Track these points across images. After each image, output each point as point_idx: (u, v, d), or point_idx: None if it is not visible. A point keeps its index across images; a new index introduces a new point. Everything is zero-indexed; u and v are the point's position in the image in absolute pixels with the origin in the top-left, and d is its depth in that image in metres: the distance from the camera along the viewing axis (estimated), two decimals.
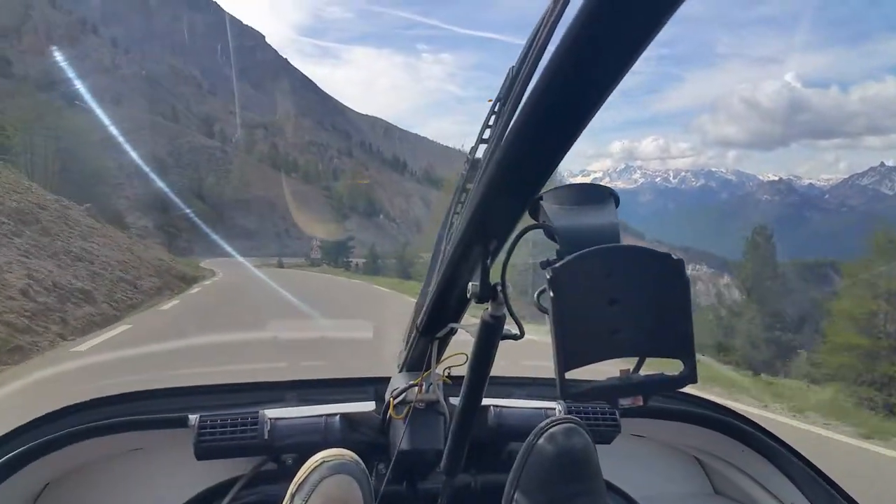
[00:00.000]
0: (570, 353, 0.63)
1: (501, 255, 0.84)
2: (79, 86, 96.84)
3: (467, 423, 1.04)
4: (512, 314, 0.87)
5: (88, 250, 16.73)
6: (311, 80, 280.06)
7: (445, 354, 1.20)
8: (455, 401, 1.08)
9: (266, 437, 1.24)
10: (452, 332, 1.13)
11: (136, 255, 21.54)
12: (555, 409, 1.41)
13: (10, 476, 1.14)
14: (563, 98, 0.57)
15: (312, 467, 0.99)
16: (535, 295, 0.68)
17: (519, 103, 0.69)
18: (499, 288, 0.85)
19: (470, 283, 0.86)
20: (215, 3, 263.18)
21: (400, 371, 1.32)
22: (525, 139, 0.63)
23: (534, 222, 0.74)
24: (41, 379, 6.01)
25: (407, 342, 1.27)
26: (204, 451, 1.23)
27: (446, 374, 1.22)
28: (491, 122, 0.89)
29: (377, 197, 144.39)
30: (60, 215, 18.22)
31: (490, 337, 0.91)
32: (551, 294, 0.63)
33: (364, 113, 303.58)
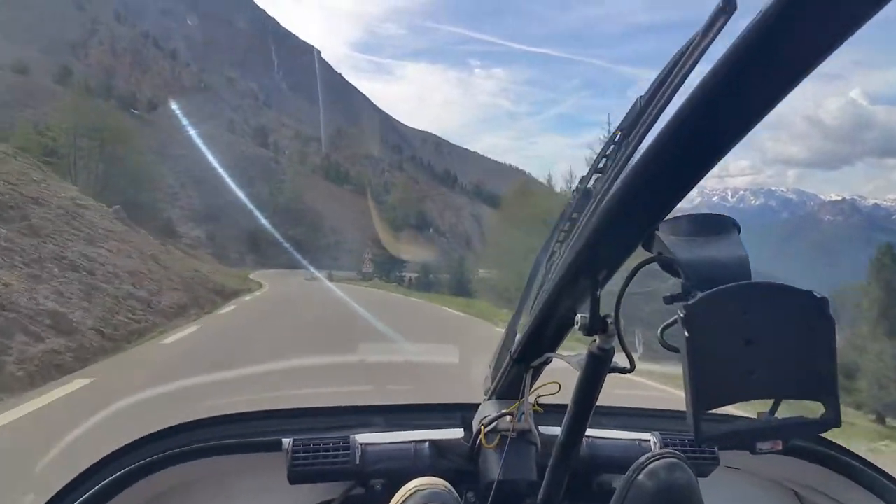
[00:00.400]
0: (704, 394, 0.61)
1: (610, 285, 0.83)
2: (138, 95, 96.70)
3: (568, 455, 1.05)
4: (625, 348, 0.86)
5: (92, 258, 13.10)
6: (364, 95, 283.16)
7: (537, 383, 1.19)
8: (544, 429, 1.14)
9: (357, 462, 1.25)
10: (547, 361, 1.12)
11: (162, 266, 18.01)
12: (649, 440, 1.36)
13: (107, 502, 1.16)
14: (703, 130, 0.56)
15: (407, 495, 1.00)
16: (659, 331, 0.66)
17: (646, 134, 0.70)
18: (609, 320, 0.84)
19: (578, 315, 0.86)
20: (273, 19, 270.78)
21: (488, 398, 1.30)
22: (653, 171, 0.63)
23: (649, 254, 0.72)
24: None
25: (496, 369, 1.27)
26: (297, 475, 1.24)
27: (536, 402, 1.22)
28: (608, 152, 0.87)
29: (427, 210, 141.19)
30: (65, 213, 14.68)
31: (597, 370, 0.90)
32: (686, 333, 0.60)
33: (415, 127, 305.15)
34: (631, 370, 0.86)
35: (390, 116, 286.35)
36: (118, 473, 1.15)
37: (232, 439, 1.27)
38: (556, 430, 1.11)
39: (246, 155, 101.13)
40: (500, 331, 1.32)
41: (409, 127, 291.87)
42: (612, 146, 0.86)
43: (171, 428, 1.30)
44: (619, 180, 0.70)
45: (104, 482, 1.13)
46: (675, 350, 0.61)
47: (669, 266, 0.69)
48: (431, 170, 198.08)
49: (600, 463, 1.29)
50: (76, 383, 7.13)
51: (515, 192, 56.69)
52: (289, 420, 1.41)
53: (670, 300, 0.64)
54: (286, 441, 1.25)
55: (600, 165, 0.88)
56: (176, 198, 76.01)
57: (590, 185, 0.92)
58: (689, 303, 0.61)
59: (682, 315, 0.60)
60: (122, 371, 8.20)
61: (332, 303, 22.59)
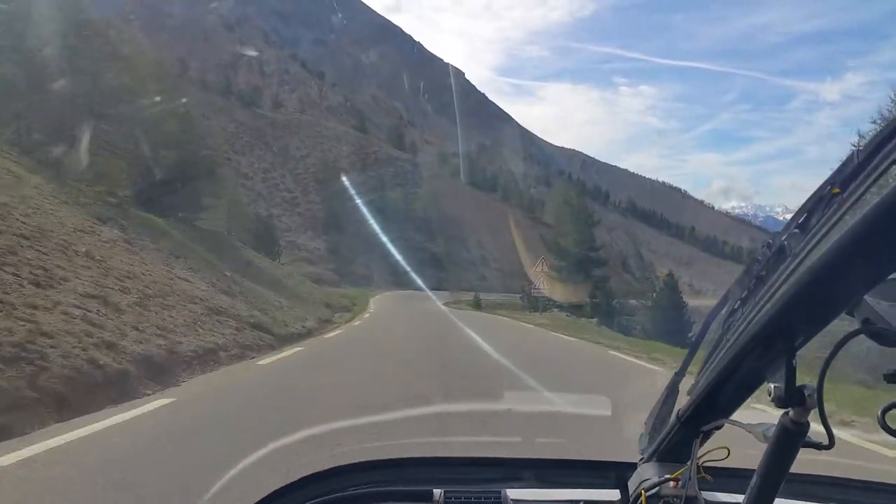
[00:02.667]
0: None
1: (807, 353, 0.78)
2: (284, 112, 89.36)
3: None
4: (826, 424, 0.78)
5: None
6: (507, 114, 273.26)
7: (704, 447, 1.10)
8: (708, 495, 1.07)
9: None
10: (719, 426, 1.03)
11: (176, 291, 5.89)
12: None
13: None
14: None
15: None
16: (881, 412, 0.63)
17: (865, 194, 0.64)
18: (806, 392, 0.76)
19: (772, 385, 0.78)
20: (419, 43, 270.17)
21: (646, 459, 1.19)
22: (874, 236, 0.58)
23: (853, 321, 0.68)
24: None
25: (656, 429, 1.19)
26: None
27: (701, 467, 1.11)
28: (808, 207, 0.81)
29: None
30: None
31: (790, 444, 0.82)
32: None
33: (560, 146, 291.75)
34: (830, 447, 0.78)
35: (535, 135, 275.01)
36: None
37: (382, 486, 1.25)
38: (722, 497, 1.10)
39: (378, 155, 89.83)
40: None
41: (553, 145, 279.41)
42: (818, 202, 0.77)
43: (328, 471, 1.29)
44: (830, 242, 0.63)
45: None
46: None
47: (879, 335, 0.63)
48: (581, 185, 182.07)
49: None
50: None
51: None
52: (438, 469, 1.39)
53: (893, 378, 0.59)
54: (437, 492, 1.21)
55: (799, 222, 0.80)
56: (295, 202, 64.90)
57: (784, 242, 0.84)
58: None
59: None
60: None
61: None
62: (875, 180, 0.65)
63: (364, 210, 64.84)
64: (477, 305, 42.19)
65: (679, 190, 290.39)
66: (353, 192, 71.71)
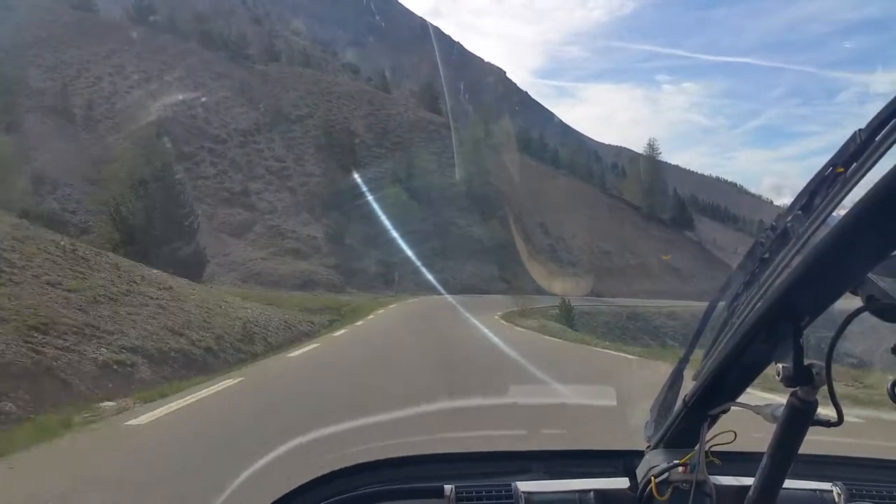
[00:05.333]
0: None
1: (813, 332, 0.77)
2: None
3: None
4: (835, 401, 0.77)
5: None
6: (551, 112, 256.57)
7: (711, 431, 1.08)
8: (716, 480, 1.06)
9: None
10: (726, 409, 1.03)
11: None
12: (831, 490, 1.19)
13: None
14: None
15: None
16: (891, 385, 0.63)
17: (867, 173, 0.64)
18: (814, 371, 0.75)
19: (779, 365, 0.77)
20: (459, 43, 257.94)
21: (653, 446, 1.17)
22: (878, 214, 0.57)
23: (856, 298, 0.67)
24: None
25: (662, 415, 1.17)
26: None
27: (709, 451, 1.10)
28: (811, 188, 0.79)
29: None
30: None
31: (799, 423, 0.81)
32: None
33: (606, 143, 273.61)
34: (839, 423, 0.77)
35: (579, 132, 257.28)
36: None
37: (393, 484, 1.22)
38: (730, 481, 1.08)
39: (404, 117, 70.96)
40: None
41: (597, 141, 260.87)
42: (820, 182, 0.75)
43: (339, 471, 1.25)
44: (834, 221, 0.63)
45: None
46: None
47: (885, 312, 0.62)
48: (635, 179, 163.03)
49: None
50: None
51: None
52: (446, 464, 1.35)
53: None
54: (448, 487, 1.17)
55: (803, 203, 0.78)
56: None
57: (788, 224, 0.82)
58: None
59: None
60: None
61: None
62: (878, 158, 0.63)
63: (384, 186, 46.84)
64: (568, 319, 23.40)
65: (735, 185, 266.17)
66: (368, 162, 53.94)
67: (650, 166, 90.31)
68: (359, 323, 19.73)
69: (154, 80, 52.89)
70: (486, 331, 17.61)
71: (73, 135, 43.88)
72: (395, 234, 41.89)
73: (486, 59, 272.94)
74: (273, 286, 37.39)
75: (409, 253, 41.36)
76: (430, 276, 40.97)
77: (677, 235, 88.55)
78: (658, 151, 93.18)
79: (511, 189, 57.36)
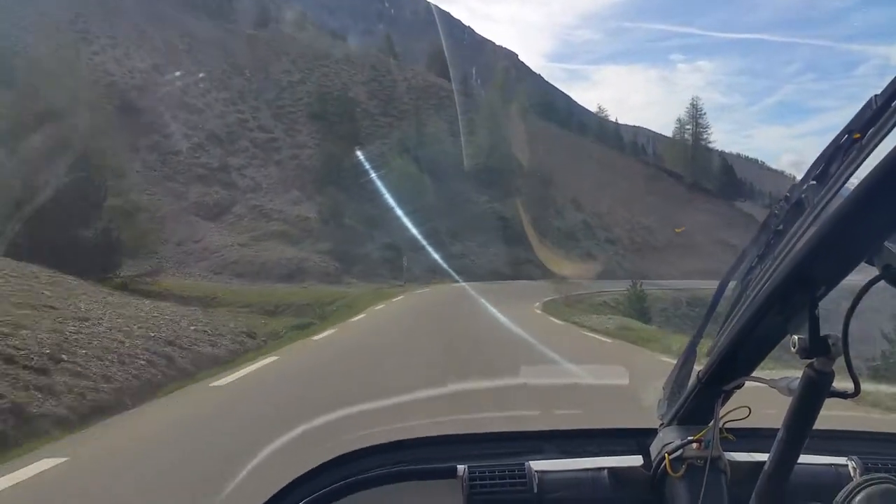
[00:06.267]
0: None
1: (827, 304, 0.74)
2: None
3: (776, 486, 0.92)
4: (852, 371, 0.76)
5: None
6: (567, 95, 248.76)
7: (725, 407, 1.07)
8: (730, 456, 1.04)
9: (535, 490, 1.15)
10: (740, 385, 1.01)
11: None
12: (846, 465, 1.15)
13: None
14: None
15: None
16: None
17: (883, 140, 0.62)
18: (831, 341, 0.73)
19: (795, 337, 0.75)
20: (470, 28, 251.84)
21: (667, 423, 1.16)
22: (892, 176, 0.56)
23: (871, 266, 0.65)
24: None
25: (675, 392, 1.16)
26: None
27: (724, 427, 1.08)
28: (826, 156, 0.77)
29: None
30: None
31: (815, 395, 0.79)
32: None
33: (621, 123, 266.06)
34: (856, 394, 0.76)
35: (595, 114, 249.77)
36: (303, 502, 1.11)
37: (407, 465, 1.21)
38: (745, 457, 1.07)
39: (412, 83, 63.24)
40: None
41: (615, 122, 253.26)
42: (835, 150, 0.73)
43: (352, 453, 1.24)
44: (850, 189, 0.61)
45: None
46: None
47: None
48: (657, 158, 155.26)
49: (794, 490, 1.04)
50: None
51: None
52: (459, 446, 1.32)
53: None
54: (461, 468, 1.17)
55: (817, 173, 0.76)
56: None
57: (802, 194, 0.79)
58: None
59: None
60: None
61: None
62: (893, 125, 0.61)
63: (389, 159, 39.44)
64: (640, 311, 16.33)
65: (756, 161, 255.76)
66: (370, 131, 46.71)
67: (693, 129, 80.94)
68: (324, 334, 12.73)
69: (121, 46, 46.20)
70: (543, 348, 10.14)
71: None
72: (401, 212, 34.56)
73: (497, 43, 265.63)
74: (253, 278, 30.75)
75: (419, 235, 34.09)
76: (444, 263, 33.71)
77: (727, 207, 80.00)
78: (702, 112, 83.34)
79: (535, 161, 49.62)
